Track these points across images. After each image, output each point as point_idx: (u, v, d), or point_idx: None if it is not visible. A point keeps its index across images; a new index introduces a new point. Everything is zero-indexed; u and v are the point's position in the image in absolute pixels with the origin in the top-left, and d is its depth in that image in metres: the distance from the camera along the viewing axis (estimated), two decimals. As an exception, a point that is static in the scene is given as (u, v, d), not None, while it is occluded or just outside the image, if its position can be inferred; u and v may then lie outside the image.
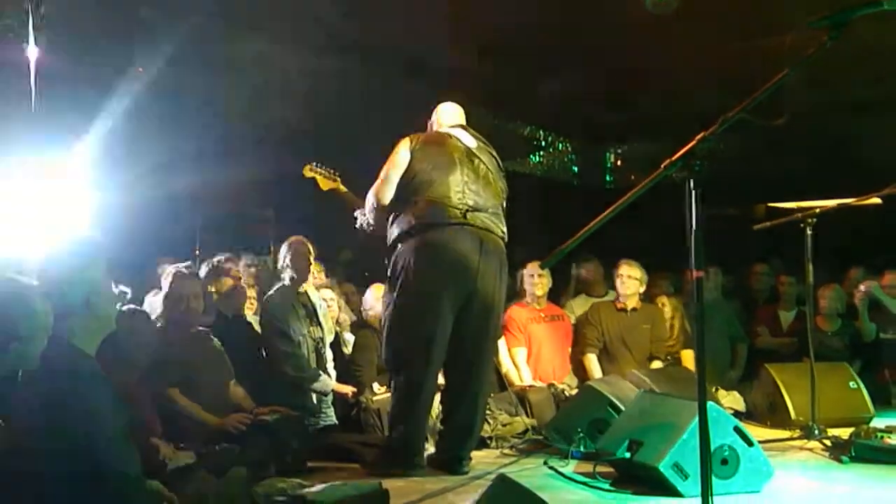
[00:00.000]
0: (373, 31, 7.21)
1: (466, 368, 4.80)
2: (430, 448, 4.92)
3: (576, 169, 10.93)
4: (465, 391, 4.79)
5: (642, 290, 6.99)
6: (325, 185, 5.36)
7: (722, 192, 7.91)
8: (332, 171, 5.38)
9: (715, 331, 7.38)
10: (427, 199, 4.70)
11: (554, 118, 10.15)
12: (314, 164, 5.40)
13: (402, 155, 4.83)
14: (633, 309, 6.92)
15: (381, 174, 4.85)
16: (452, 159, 4.79)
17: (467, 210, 4.70)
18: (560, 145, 10.66)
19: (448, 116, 5.12)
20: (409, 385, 4.69)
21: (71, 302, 3.01)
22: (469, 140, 4.97)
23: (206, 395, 4.69)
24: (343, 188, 5.33)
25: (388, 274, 4.80)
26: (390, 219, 4.82)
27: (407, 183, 4.77)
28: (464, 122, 5.10)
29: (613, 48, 7.74)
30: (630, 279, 6.88)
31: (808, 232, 5.51)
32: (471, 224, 4.69)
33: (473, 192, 4.75)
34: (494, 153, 5.03)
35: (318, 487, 3.80)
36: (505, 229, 4.90)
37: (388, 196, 4.81)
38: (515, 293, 7.19)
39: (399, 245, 4.74)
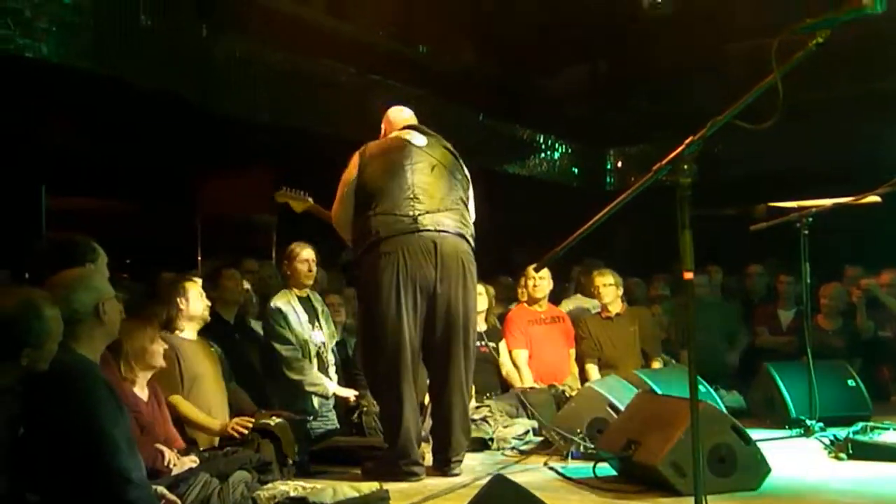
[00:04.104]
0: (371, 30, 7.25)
1: (440, 373, 4.83)
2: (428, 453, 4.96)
3: (576, 171, 10.95)
4: (441, 395, 4.82)
5: (620, 292, 7.05)
6: (297, 207, 5.41)
7: (723, 191, 8.01)
8: (302, 193, 5.41)
9: (714, 331, 7.45)
10: (378, 213, 4.73)
11: (554, 120, 10.19)
12: (285, 188, 5.45)
13: (351, 171, 4.89)
14: (618, 314, 7.00)
15: (337, 193, 4.94)
16: (401, 164, 4.79)
17: (418, 215, 4.70)
18: (560, 147, 10.68)
19: (397, 119, 5.12)
20: (384, 396, 4.75)
21: (78, 309, 3.06)
22: (419, 139, 4.95)
23: (208, 401, 4.73)
24: (316, 207, 5.38)
25: (357, 288, 4.88)
26: (355, 234, 4.88)
27: (361, 196, 4.82)
28: (413, 122, 5.09)
29: (614, 50, 7.80)
30: (606, 287, 6.97)
31: (804, 232, 5.56)
32: (423, 229, 4.70)
33: (424, 193, 4.75)
34: (448, 146, 5.02)
35: (321, 490, 3.85)
36: (468, 223, 4.90)
37: (343, 213, 4.92)
38: (516, 296, 7.26)
39: (360, 260, 4.81)
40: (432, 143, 4.96)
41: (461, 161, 5.04)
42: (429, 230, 4.71)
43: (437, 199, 4.78)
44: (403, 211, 4.71)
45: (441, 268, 4.70)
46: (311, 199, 5.36)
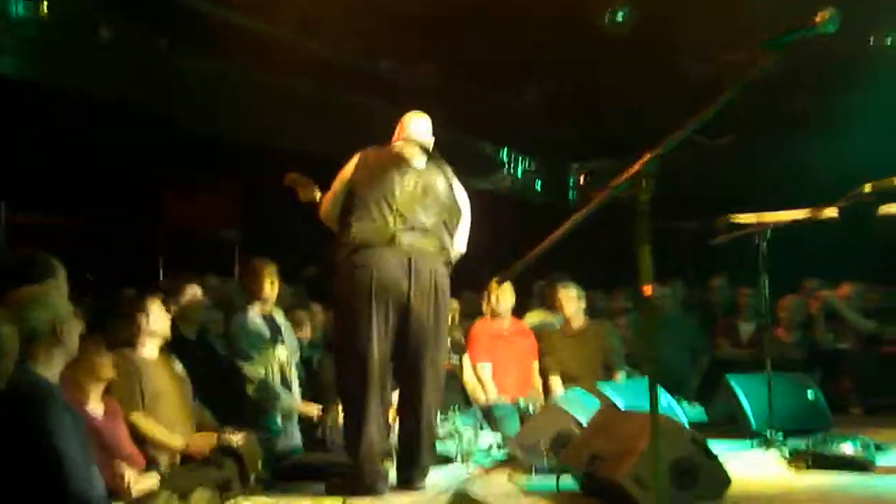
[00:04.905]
0: (335, 46, 7.26)
1: (408, 388, 4.86)
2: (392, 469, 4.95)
3: (539, 186, 11.02)
4: (408, 410, 4.85)
5: (583, 305, 7.10)
6: (304, 195, 5.38)
7: (683, 205, 8.09)
8: (311, 182, 5.41)
9: (676, 344, 7.52)
10: (359, 221, 4.76)
11: (516, 136, 10.26)
12: (297, 174, 5.44)
13: (347, 170, 4.91)
14: (580, 328, 7.04)
15: (332, 187, 4.96)
16: (393, 179, 4.82)
17: (398, 231, 4.73)
18: (522, 163, 10.75)
19: (405, 130, 5.12)
20: (351, 408, 4.76)
21: (35, 328, 3.04)
22: (418, 159, 4.98)
23: (170, 418, 4.69)
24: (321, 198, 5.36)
25: (330, 296, 4.90)
26: (337, 237, 4.90)
27: (348, 200, 4.85)
28: (420, 137, 5.08)
29: (576, 66, 7.85)
30: (569, 300, 7.01)
31: (763, 245, 5.64)
32: (400, 246, 4.72)
33: (410, 213, 4.78)
34: (446, 170, 5.04)
35: (283, 507, 3.84)
36: (448, 247, 4.93)
37: (331, 208, 4.94)
38: (480, 310, 7.28)
39: (337, 267, 4.83)
40: (430, 167, 4.98)
41: (457, 189, 5.05)
42: (405, 247, 4.74)
43: (420, 221, 4.81)
44: (384, 225, 4.74)
45: (414, 284, 4.72)
46: (318, 190, 5.33)
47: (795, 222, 5.72)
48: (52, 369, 3.08)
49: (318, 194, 5.31)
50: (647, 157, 2.58)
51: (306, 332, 6.49)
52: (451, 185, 5.03)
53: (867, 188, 5.26)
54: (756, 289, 6.66)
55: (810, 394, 6.39)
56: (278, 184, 5.53)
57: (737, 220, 5.99)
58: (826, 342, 7.47)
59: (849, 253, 7.84)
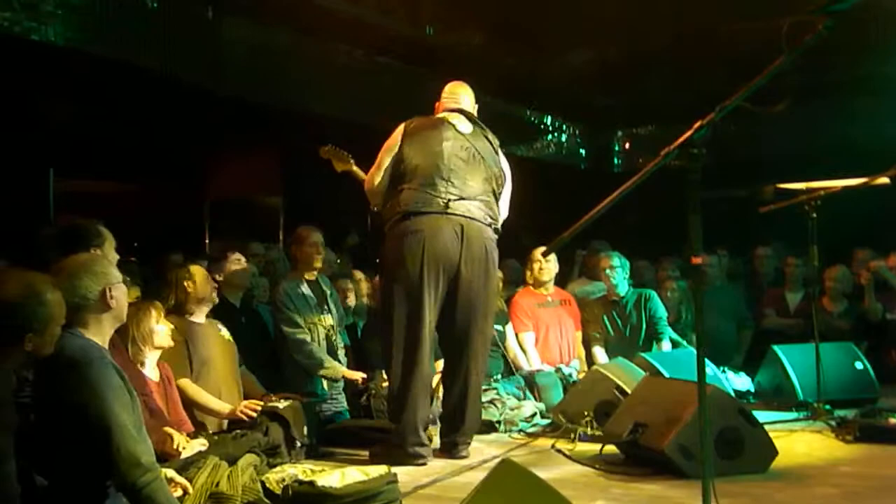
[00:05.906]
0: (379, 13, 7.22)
1: (456, 356, 4.87)
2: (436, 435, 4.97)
3: (584, 153, 10.93)
4: (455, 378, 4.86)
5: (626, 274, 7.05)
6: (339, 166, 5.41)
7: (730, 173, 7.97)
8: (346, 154, 5.42)
9: (721, 314, 7.44)
10: (411, 188, 4.76)
11: (561, 103, 10.16)
12: (331, 145, 5.45)
13: (394, 140, 4.91)
14: (623, 297, 6.99)
15: (377, 159, 4.95)
16: (441, 146, 4.81)
17: (450, 199, 4.73)
18: (567, 129, 10.65)
19: (449, 100, 5.14)
20: (397, 375, 4.76)
21: (84, 295, 3.07)
22: (464, 125, 4.98)
23: (217, 384, 4.75)
24: (357, 169, 5.35)
25: (379, 262, 4.91)
26: (385, 205, 4.90)
27: (396, 169, 4.84)
28: (464, 106, 5.09)
29: (619, 31, 7.74)
30: (612, 269, 6.95)
31: (813, 214, 5.54)
32: (452, 213, 4.73)
33: (459, 179, 4.78)
34: (491, 139, 5.04)
35: (329, 473, 3.86)
36: (496, 216, 4.93)
37: (378, 180, 4.92)
38: (523, 278, 7.27)
39: (387, 233, 4.84)
40: (476, 133, 5.00)
41: (501, 156, 5.07)
42: (457, 214, 4.74)
43: (470, 188, 4.81)
44: (436, 192, 4.74)
45: (466, 251, 4.73)
46: (352, 161, 5.36)
47: (846, 190, 5.60)
48: (102, 335, 3.11)
49: (353, 165, 5.33)
50: (699, 124, 2.54)
51: (351, 301, 6.52)
52: (496, 152, 5.03)
53: (921, 156, 5.14)
54: (803, 258, 6.57)
55: (858, 364, 6.31)
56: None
57: (785, 188, 5.89)
58: (875, 312, 7.34)
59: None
